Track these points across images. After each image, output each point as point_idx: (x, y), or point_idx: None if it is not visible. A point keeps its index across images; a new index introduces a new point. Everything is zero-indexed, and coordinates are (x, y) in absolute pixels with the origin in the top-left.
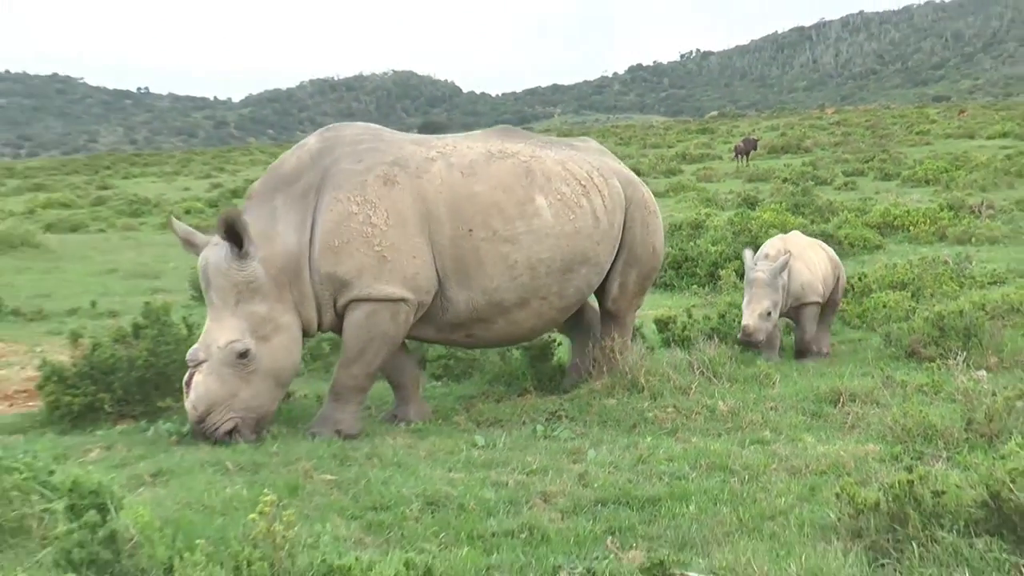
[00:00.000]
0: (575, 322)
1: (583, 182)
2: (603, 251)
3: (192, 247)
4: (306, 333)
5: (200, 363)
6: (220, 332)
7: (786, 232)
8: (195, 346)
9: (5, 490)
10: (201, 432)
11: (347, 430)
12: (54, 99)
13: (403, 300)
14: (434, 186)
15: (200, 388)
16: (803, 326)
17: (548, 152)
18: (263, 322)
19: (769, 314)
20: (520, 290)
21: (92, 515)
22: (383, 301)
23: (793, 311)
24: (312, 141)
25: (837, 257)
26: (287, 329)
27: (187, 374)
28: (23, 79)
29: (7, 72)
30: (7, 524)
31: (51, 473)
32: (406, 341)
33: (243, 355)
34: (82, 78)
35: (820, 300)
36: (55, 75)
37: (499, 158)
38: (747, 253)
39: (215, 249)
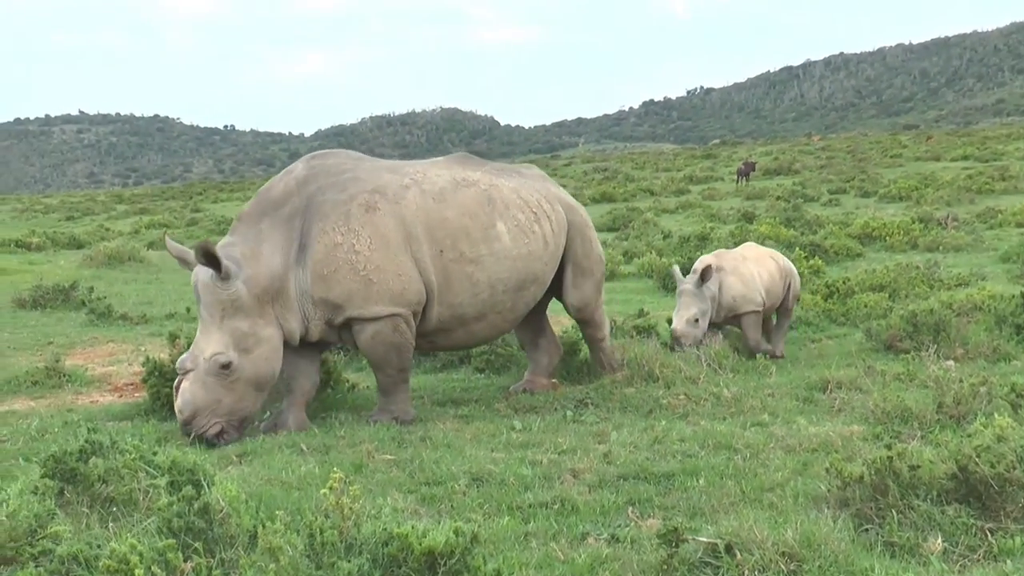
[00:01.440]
0: (533, 335)
1: (535, 209)
2: (548, 270)
3: (185, 264)
4: (289, 343)
5: (188, 371)
6: (207, 344)
7: (729, 245)
8: (184, 356)
9: (117, 468)
10: (187, 433)
11: (402, 416)
12: (155, 136)
13: (396, 315)
14: (411, 211)
15: (187, 395)
16: (746, 332)
17: (503, 180)
18: (245, 336)
19: (697, 321)
20: (480, 305)
21: (189, 490)
22: (380, 319)
23: (734, 320)
24: (299, 168)
25: (791, 267)
26: (268, 341)
27: (176, 380)
28: (130, 120)
29: (117, 114)
30: (119, 497)
31: (154, 454)
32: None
33: (226, 366)
34: (178, 118)
35: (758, 309)
36: (156, 116)
37: (464, 186)
38: (674, 269)
39: (204, 269)
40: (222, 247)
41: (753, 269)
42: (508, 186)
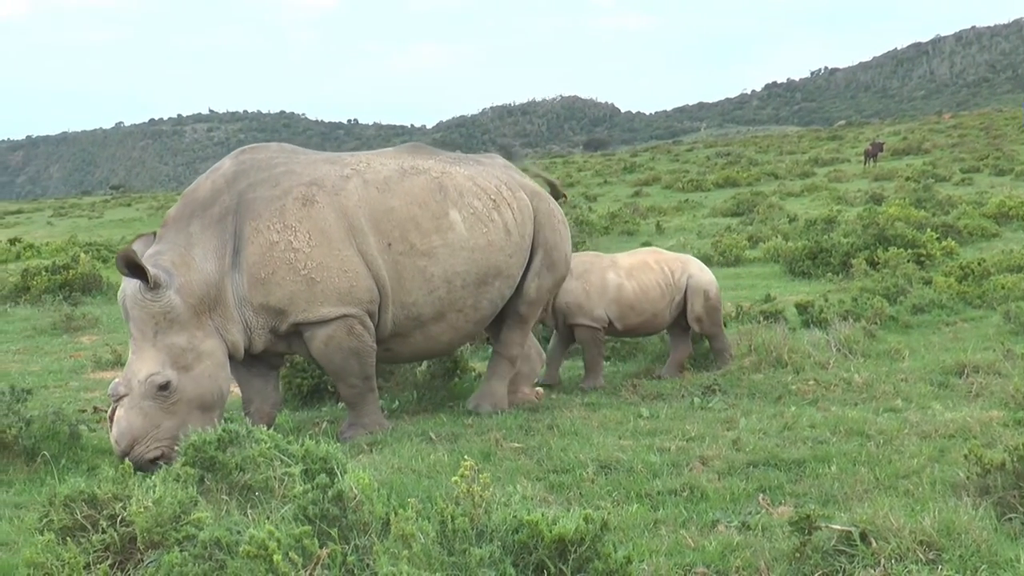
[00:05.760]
0: None
1: (493, 196)
2: (515, 263)
3: None
4: (233, 356)
5: (121, 397)
6: (141, 365)
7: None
8: (116, 380)
9: (253, 457)
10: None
11: (378, 427)
12: (281, 132)
13: (347, 315)
14: (352, 202)
15: (123, 423)
16: (581, 347)
17: (457, 168)
18: (183, 352)
19: None
20: (437, 304)
21: (323, 478)
22: (329, 322)
23: (572, 329)
24: (227, 164)
25: (699, 282)
26: (210, 355)
27: (110, 408)
28: (257, 117)
29: (245, 112)
30: (256, 484)
31: (289, 443)
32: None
33: (163, 387)
34: (303, 114)
35: (593, 324)
36: (282, 112)
37: (412, 174)
38: None
39: (130, 282)
40: (149, 256)
41: (610, 278)
42: (463, 173)
